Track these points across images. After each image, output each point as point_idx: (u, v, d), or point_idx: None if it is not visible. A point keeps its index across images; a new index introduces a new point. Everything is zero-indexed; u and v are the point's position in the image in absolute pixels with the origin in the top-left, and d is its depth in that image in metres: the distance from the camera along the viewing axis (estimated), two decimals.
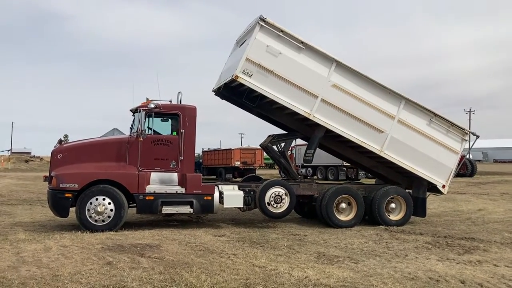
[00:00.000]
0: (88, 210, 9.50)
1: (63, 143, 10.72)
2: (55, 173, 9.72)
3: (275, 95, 10.42)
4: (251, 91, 10.60)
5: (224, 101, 12.04)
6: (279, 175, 26.03)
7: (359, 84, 10.93)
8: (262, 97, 10.71)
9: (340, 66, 10.75)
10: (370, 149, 11.18)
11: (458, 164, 12.03)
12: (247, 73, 10.13)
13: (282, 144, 12.33)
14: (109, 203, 9.61)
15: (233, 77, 10.12)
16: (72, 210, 9.74)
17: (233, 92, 11.40)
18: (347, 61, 10.77)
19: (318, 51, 10.58)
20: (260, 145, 12.88)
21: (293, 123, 11.69)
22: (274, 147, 12.21)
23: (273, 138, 12.13)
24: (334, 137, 11.39)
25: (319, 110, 10.66)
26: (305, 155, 11.65)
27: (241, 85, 10.42)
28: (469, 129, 12.38)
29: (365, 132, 11.03)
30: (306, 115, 10.66)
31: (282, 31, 10.31)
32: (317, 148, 11.70)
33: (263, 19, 10.12)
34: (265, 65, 10.23)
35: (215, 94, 12.08)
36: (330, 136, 11.43)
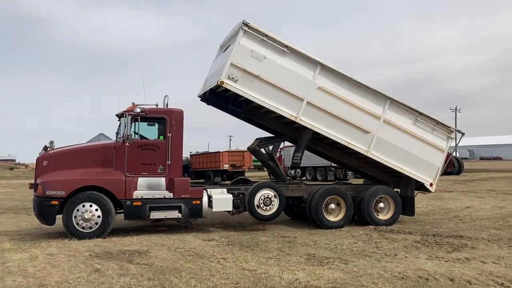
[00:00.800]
0: (75, 217, 9.38)
1: (48, 149, 10.57)
2: (41, 180, 9.58)
3: (261, 100, 10.41)
4: (237, 96, 10.57)
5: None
6: (268, 177, 26.02)
7: (344, 86, 10.97)
8: (249, 101, 10.70)
9: (325, 69, 10.78)
10: (357, 150, 11.24)
11: (445, 162, 12.15)
12: (232, 78, 10.11)
13: (270, 147, 12.33)
14: (96, 210, 9.49)
15: (218, 83, 10.08)
16: (59, 217, 9.60)
17: (219, 97, 11.36)
18: (331, 63, 10.84)
19: (303, 54, 10.60)
20: (247, 148, 12.86)
21: (280, 127, 11.69)
22: (262, 149, 12.19)
23: (261, 141, 12.12)
24: (321, 139, 11.43)
25: (305, 113, 10.69)
26: (293, 158, 11.67)
27: (227, 90, 10.38)
28: (455, 127, 12.53)
29: (351, 133, 11.09)
30: (292, 118, 10.67)
31: (266, 35, 10.31)
32: (305, 150, 11.73)
33: (246, 24, 10.11)
34: (250, 70, 10.21)
35: (201, 100, 12.01)
36: (317, 138, 11.46)
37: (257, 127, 12.42)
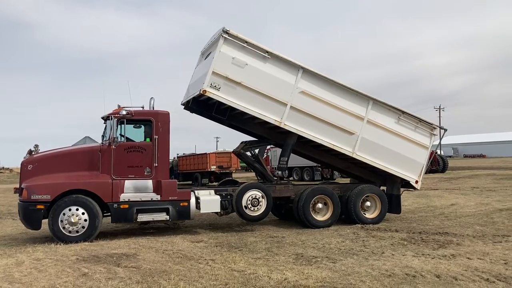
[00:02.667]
0: (61, 221, 9.29)
1: (33, 153, 10.45)
2: (26, 185, 9.46)
3: (245, 106, 10.42)
4: (221, 103, 10.55)
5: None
6: (256, 178, 26.03)
7: (326, 89, 11.05)
8: (232, 108, 10.67)
9: (307, 72, 10.84)
10: (342, 151, 11.32)
11: (429, 159, 12.33)
12: (215, 86, 10.11)
13: (256, 150, 12.37)
14: (83, 213, 9.41)
15: (201, 92, 10.07)
16: (45, 222, 9.49)
17: (203, 105, 11.32)
18: (313, 67, 10.90)
19: (284, 59, 10.64)
20: (233, 152, 12.86)
21: (265, 132, 11.70)
22: (248, 152, 12.22)
23: (246, 145, 12.15)
24: (307, 142, 11.46)
25: (289, 118, 10.73)
26: (279, 163, 11.73)
27: (210, 98, 10.37)
28: (439, 125, 12.72)
29: (336, 136, 11.16)
30: (277, 123, 10.70)
31: (246, 42, 10.31)
32: (291, 153, 11.75)
33: (226, 31, 10.10)
34: (232, 77, 10.22)
35: (184, 108, 11.93)
36: (303, 142, 11.50)
37: (242, 132, 12.43)
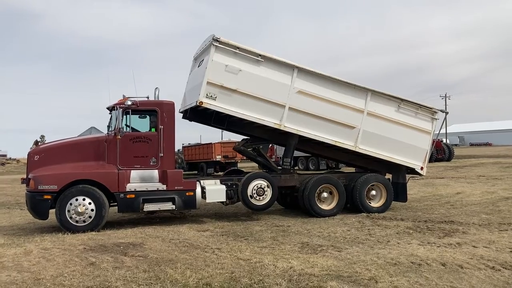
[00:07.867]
0: (68, 211, 9.36)
1: (39, 144, 10.53)
2: (33, 175, 9.53)
3: (243, 113, 10.39)
4: (219, 111, 10.52)
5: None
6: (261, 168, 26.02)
7: (323, 85, 10.97)
8: (231, 115, 10.64)
9: (302, 71, 10.76)
10: (345, 146, 11.29)
11: (432, 144, 12.27)
12: (211, 96, 10.07)
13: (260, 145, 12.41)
14: (90, 203, 9.48)
15: (198, 103, 10.05)
16: (52, 212, 9.58)
17: (201, 114, 11.29)
18: (307, 65, 10.84)
19: (277, 61, 10.56)
20: (233, 149, 12.89)
21: (265, 134, 11.65)
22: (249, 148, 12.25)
23: (246, 142, 12.16)
24: (309, 140, 11.41)
25: (288, 119, 10.69)
26: (282, 163, 11.70)
27: (208, 108, 10.33)
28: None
29: (337, 131, 11.13)
30: (276, 126, 10.67)
31: (237, 47, 10.24)
32: (295, 150, 11.73)
33: (216, 39, 10.02)
34: (228, 85, 10.16)
35: (182, 117, 11.87)
36: (304, 140, 11.45)
37: (242, 135, 12.41)
